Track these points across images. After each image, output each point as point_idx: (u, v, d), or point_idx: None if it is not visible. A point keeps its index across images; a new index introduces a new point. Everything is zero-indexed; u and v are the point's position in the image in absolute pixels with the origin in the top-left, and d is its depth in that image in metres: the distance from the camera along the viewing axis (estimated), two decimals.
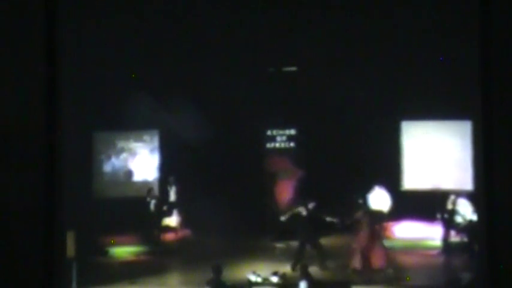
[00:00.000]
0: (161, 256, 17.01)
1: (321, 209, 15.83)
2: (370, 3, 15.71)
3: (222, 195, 16.95)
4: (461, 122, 17.46)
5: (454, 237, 16.53)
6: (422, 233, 17.48)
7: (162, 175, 19.60)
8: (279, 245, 17.52)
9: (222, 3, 15.56)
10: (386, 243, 17.39)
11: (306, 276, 13.23)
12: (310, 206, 15.67)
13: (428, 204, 17.01)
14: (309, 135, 19.15)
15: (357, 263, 15.15)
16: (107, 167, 19.76)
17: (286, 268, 15.19)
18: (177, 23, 16.30)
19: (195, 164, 18.49)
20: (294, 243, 16.28)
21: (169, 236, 18.44)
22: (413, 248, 17.06)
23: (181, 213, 18.78)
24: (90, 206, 17.53)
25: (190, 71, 17.71)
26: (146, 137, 19.92)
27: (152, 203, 18.09)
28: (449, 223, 16.46)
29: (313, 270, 14.04)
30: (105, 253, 17.01)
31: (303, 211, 15.76)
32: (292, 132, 19.55)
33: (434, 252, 16.59)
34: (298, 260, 15.12)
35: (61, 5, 7.88)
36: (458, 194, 16.54)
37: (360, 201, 15.44)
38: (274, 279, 14.59)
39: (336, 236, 17.00)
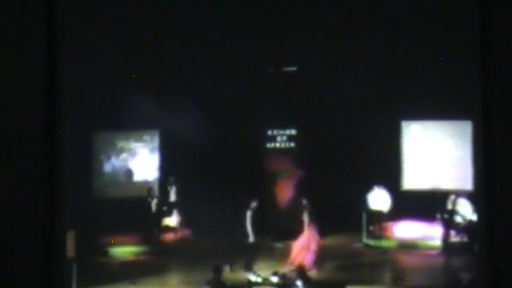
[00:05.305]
0: (161, 256, 16.98)
1: (263, 207, 15.61)
2: (370, 3, 15.71)
3: (222, 195, 16.95)
4: (461, 122, 17.49)
5: (454, 237, 16.52)
6: (422, 233, 17.47)
7: (162, 175, 19.59)
8: (279, 245, 17.50)
9: (222, 3, 15.56)
10: (387, 243, 17.47)
11: (302, 275, 13.21)
12: (253, 205, 15.26)
13: (428, 204, 17.02)
14: (309, 135, 19.14)
15: (292, 258, 15.26)
16: (107, 167, 19.74)
17: (286, 268, 15.20)
18: (177, 23, 16.30)
19: (195, 164, 18.50)
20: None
21: (169, 236, 18.43)
22: (413, 248, 17.06)
23: (181, 213, 18.78)
24: (90, 206, 17.53)
25: (190, 71, 17.69)
26: (146, 137, 19.90)
27: (152, 203, 18.07)
28: (449, 223, 16.45)
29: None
30: (105, 253, 17.00)
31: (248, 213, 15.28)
32: (292, 132, 19.53)
33: (434, 252, 16.58)
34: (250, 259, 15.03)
35: (61, 4, 7.88)
36: (458, 194, 16.54)
37: (304, 202, 15.37)
38: (274, 279, 14.59)
39: (332, 236, 17.12)
